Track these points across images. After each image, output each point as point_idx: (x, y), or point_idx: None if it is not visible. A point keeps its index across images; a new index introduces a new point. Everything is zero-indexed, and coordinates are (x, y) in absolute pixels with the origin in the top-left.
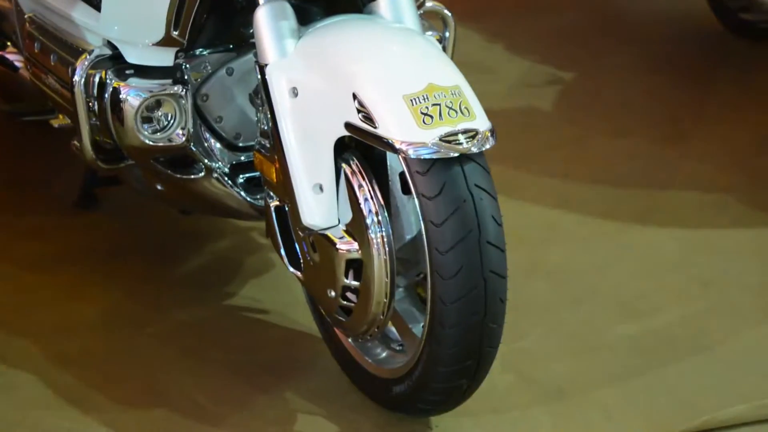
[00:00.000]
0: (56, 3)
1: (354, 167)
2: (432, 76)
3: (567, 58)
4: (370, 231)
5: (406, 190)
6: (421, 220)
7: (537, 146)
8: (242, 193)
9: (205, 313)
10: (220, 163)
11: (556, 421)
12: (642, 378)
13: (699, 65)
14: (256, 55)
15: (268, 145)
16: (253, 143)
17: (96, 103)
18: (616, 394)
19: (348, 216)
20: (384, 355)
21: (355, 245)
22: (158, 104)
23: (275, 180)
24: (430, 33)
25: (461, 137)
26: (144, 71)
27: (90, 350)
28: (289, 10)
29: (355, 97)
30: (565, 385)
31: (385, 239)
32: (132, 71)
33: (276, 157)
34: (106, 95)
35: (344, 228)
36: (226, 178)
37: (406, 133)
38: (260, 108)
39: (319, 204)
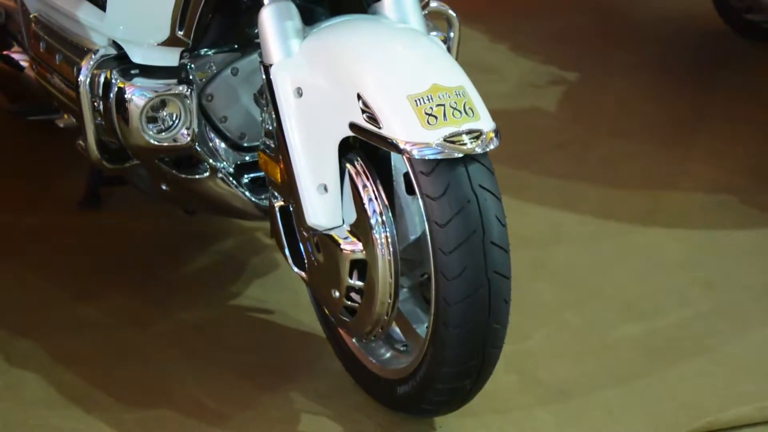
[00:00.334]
0: (61, 3)
1: (358, 167)
2: (436, 77)
3: (571, 59)
4: (374, 231)
5: (410, 190)
6: (425, 220)
7: (541, 146)
8: (247, 193)
9: (209, 313)
10: (224, 163)
11: (559, 421)
12: (645, 379)
13: (703, 66)
14: (260, 55)
15: (272, 146)
16: (257, 143)
17: (101, 102)
18: (620, 394)
19: (352, 216)
20: (388, 355)
21: (360, 245)
22: (163, 104)
23: (280, 180)
24: (434, 33)
25: (465, 138)
26: (149, 71)
27: (95, 350)
28: (293, 10)
29: (359, 97)
30: (568, 385)
31: (390, 240)
32: (137, 71)
33: (280, 157)
34: (112, 95)
35: (348, 228)
36: (230, 178)
37: (411, 133)
38: (265, 108)
39: (323, 204)
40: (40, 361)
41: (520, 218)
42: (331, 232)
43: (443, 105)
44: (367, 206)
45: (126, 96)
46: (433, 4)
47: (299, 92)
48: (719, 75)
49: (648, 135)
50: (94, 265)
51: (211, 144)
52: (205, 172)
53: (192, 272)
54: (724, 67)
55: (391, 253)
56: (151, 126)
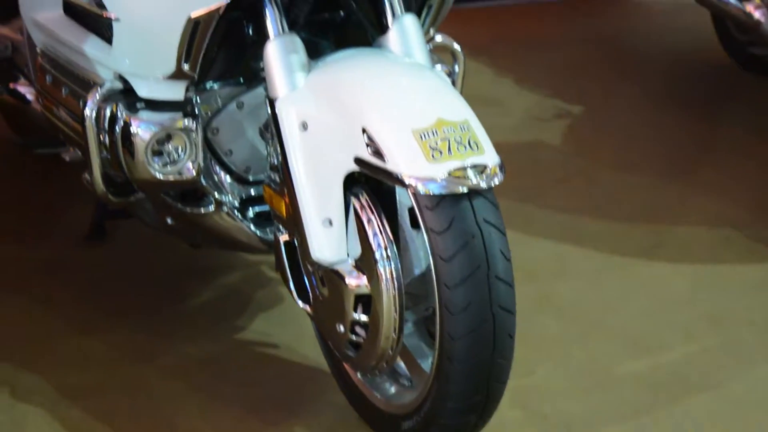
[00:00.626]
0: (68, 36)
1: (363, 201)
2: (441, 111)
3: (575, 92)
4: (379, 265)
5: (415, 224)
6: (430, 254)
7: (545, 180)
8: (252, 226)
9: (214, 346)
10: (230, 196)
11: None
12: (651, 414)
13: (707, 99)
14: (266, 88)
15: (277, 179)
16: (263, 177)
17: (107, 136)
18: (624, 430)
19: (357, 250)
20: (393, 390)
21: (364, 280)
22: (169, 138)
23: (285, 214)
24: (439, 67)
25: (470, 172)
26: (155, 105)
27: (101, 384)
28: (299, 43)
29: (364, 131)
30: (573, 421)
31: (394, 274)
32: (143, 105)
33: (286, 191)
34: (117, 129)
35: (353, 262)
36: (235, 212)
37: (415, 167)
38: (270, 142)
39: (328, 238)
40: (46, 395)
41: (525, 252)
42: (336, 267)
43: (448, 139)
44: (372, 240)
45: (132, 130)
46: (438, 38)
47: (304, 126)
48: (723, 108)
49: (652, 169)
50: (99, 299)
51: (216, 177)
52: (210, 205)
53: (197, 306)
54: (728, 101)
55: (396, 287)
56: (156, 159)
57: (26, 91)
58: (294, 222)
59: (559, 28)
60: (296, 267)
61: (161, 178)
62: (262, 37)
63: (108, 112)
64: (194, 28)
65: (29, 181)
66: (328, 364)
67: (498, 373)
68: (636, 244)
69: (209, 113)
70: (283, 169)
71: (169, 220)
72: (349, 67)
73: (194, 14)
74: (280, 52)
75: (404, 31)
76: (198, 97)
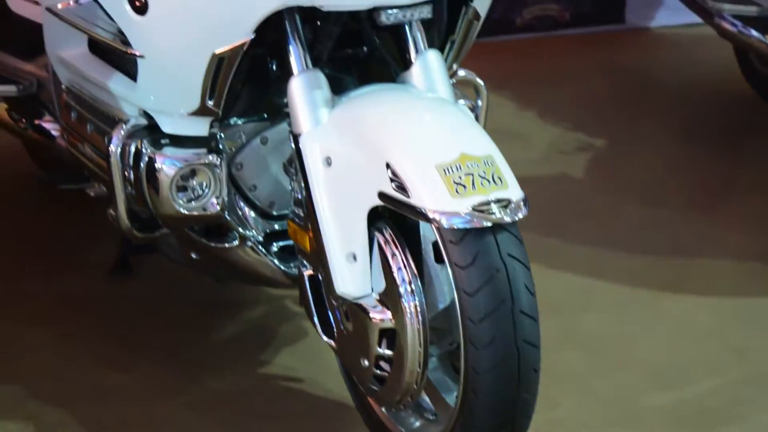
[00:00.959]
0: (93, 73)
1: (387, 236)
2: (465, 146)
3: (598, 125)
4: (403, 300)
5: (439, 259)
6: (454, 289)
7: (569, 214)
8: (276, 261)
9: (239, 381)
10: (254, 231)
11: None
12: None
13: (731, 132)
14: (290, 124)
15: (301, 214)
16: (287, 212)
17: (132, 172)
18: None
19: (381, 285)
20: (417, 424)
21: (389, 314)
22: (193, 173)
23: (309, 249)
24: (462, 102)
25: (494, 207)
26: (179, 141)
27: (126, 419)
28: (322, 79)
29: (388, 166)
30: None
31: (419, 308)
32: (167, 141)
33: (310, 226)
34: (142, 165)
35: (378, 297)
36: (260, 247)
37: (439, 202)
38: (294, 177)
39: (352, 273)
40: (71, 430)
41: (549, 285)
42: (360, 301)
43: (472, 174)
44: (396, 275)
45: (156, 165)
46: (461, 73)
47: (328, 161)
48: (747, 141)
49: (676, 202)
50: (124, 334)
51: (240, 213)
52: (235, 240)
53: (221, 340)
54: (751, 133)
55: (421, 321)
56: (181, 195)
57: (51, 127)
58: (318, 257)
59: (581, 60)
60: (320, 301)
61: (186, 213)
62: (286, 73)
63: (133, 148)
64: (218, 64)
65: (53, 217)
66: (352, 398)
67: (523, 408)
68: (660, 278)
69: (233, 149)
70: (307, 204)
71: (193, 255)
72: (372, 102)
73: (218, 51)
74: (304, 88)
75: (427, 66)
76: (222, 133)
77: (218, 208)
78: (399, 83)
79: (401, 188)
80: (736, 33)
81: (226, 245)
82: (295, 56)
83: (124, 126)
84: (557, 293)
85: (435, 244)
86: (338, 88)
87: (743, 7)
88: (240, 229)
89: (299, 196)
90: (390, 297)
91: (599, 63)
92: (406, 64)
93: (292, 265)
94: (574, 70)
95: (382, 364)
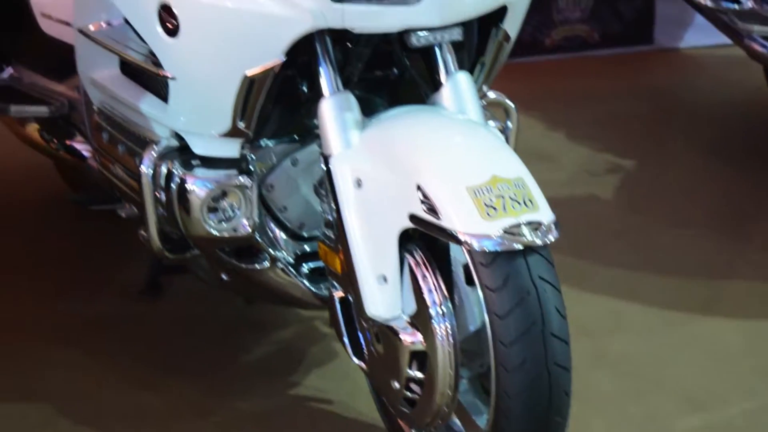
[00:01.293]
0: (124, 94)
1: (418, 258)
2: (495, 168)
3: (628, 146)
4: (434, 322)
5: (469, 281)
6: (484, 311)
7: (599, 235)
8: (306, 282)
9: (269, 402)
10: (284, 252)
11: None
12: None
13: (761, 153)
14: (320, 145)
15: (332, 236)
16: (317, 233)
17: (163, 193)
18: None
19: (412, 307)
20: None
21: (420, 336)
22: (224, 194)
23: (339, 270)
24: (492, 123)
25: (525, 229)
26: (210, 162)
27: None
28: (353, 101)
29: (419, 188)
30: None
31: (449, 330)
32: (198, 162)
33: (340, 248)
34: (173, 186)
35: (408, 319)
36: (290, 268)
37: (470, 224)
38: (324, 198)
39: (383, 295)
40: None
41: (579, 307)
42: (391, 323)
43: (503, 196)
44: (426, 297)
45: (187, 187)
46: (491, 95)
47: (359, 183)
48: None
49: (707, 222)
50: (154, 354)
51: (271, 234)
52: (265, 261)
53: (251, 361)
54: None
55: (451, 344)
56: (212, 216)
57: (82, 148)
58: (349, 278)
59: (609, 81)
60: (351, 323)
61: (216, 234)
62: (317, 94)
63: (164, 170)
64: (249, 86)
65: (84, 238)
66: (382, 420)
67: (554, 431)
68: (691, 299)
69: (264, 170)
70: (337, 225)
71: (224, 276)
72: (403, 124)
73: (250, 72)
74: (335, 110)
75: (458, 88)
76: (253, 154)
77: (249, 229)
78: (429, 105)
79: (432, 210)
80: (766, 54)
81: (257, 266)
82: (326, 78)
83: (155, 147)
84: (587, 315)
85: (466, 267)
86: (368, 109)
87: None
88: (270, 251)
89: (330, 218)
90: (421, 319)
91: (628, 84)
92: (437, 85)
93: (322, 286)
94: (602, 90)
95: (413, 386)
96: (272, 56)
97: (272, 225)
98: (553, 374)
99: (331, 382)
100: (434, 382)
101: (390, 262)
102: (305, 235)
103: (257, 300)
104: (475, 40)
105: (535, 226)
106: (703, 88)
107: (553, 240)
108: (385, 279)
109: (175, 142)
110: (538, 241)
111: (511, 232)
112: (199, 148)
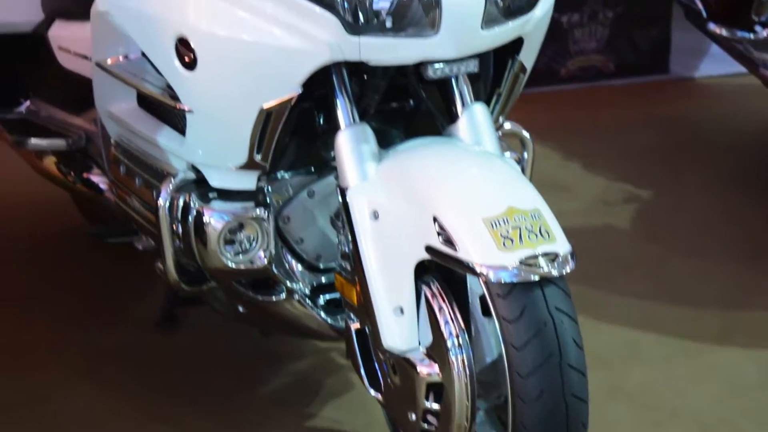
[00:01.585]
0: (141, 127)
1: (434, 290)
2: (512, 199)
3: (644, 176)
4: (450, 354)
5: (486, 312)
6: (501, 343)
7: (615, 265)
8: (323, 314)
9: None
10: (301, 284)
11: None
12: None
13: None
14: (337, 177)
15: (348, 267)
16: (333, 265)
17: (180, 225)
18: None
19: (428, 338)
20: None
21: (436, 368)
22: (241, 227)
23: (356, 302)
24: (508, 154)
25: (541, 260)
26: (227, 194)
27: None
28: (369, 133)
29: (435, 220)
30: None
31: (466, 362)
32: (215, 194)
33: (357, 279)
34: (190, 218)
35: (425, 350)
36: (306, 300)
37: (487, 256)
38: (341, 230)
39: (399, 326)
40: None
41: (596, 338)
42: (408, 355)
43: (519, 227)
44: (443, 328)
45: (204, 219)
46: (507, 126)
47: (375, 215)
48: None
49: (723, 253)
50: (169, 385)
51: (287, 266)
52: (282, 293)
53: (267, 393)
54: None
55: (468, 375)
56: (228, 248)
57: (99, 180)
58: (365, 310)
59: (625, 111)
60: (367, 355)
61: (233, 266)
62: (333, 126)
63: (181, 202)
64: (266, 118)
65: (100, 270)
66: None
67: None
68: (707, 330)
69: (280, 202)
70: (354, 257)
71: (240, 308)
72: (419, 156)
73: (266, 105)
74: (351, 142)
75: (474, 119)
76: (269, 186)
77: (265, 261)
78: (445, 137)
79: (448, 242)
80: None
81: (273, 298)
82: (343, 110)
83: (172, 180)
84: (604, 345)
85: (482, 298)
86: (385, 141)
87: None
88: (287, 283)
89: (346, 250)
90: (437, 350)
91: (644, 113)
92: (453, 117)
93: (338, 318)
94: (618, 120)
95: (430, 418)
96: (289, 89)
97: (289, 257)
98: (570, 405)
99: (347, 414)
100: (451, 413)
101: (406, 294)
102: (322, 266)
103: (274, 331)
104: (491, 72)
105: (551, 257)
106: (718, 118)
107: (569, 271)
108: (401, 311)
109: (192, 175)
110: (555, 272)
111: (528, 263)
112: (215, 180)
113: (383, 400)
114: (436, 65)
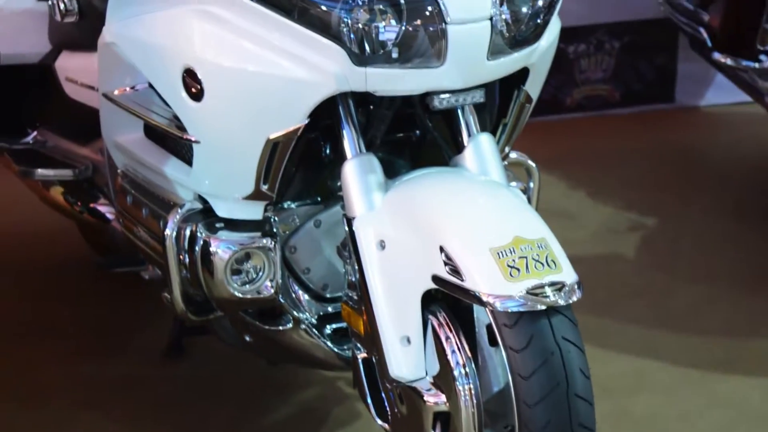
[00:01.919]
0: (148, 158)
1: (441, 319)
2: (518, 229)
3: (650, 204)
4: (457, 383)
5: (493, 342)
6: (508, 372)
7: (621, 294)
8: (329, 344)
9: None
10: (307, 314)
11: None
12: None
13: None
14: (343, 207)
15: (355, 297)
16: (340, 294)
17: (187, 255)
18: None
19: (435, 368)
20: None
21: (443, 397)
22: (248, 257)
23: (363, 331)
24: (514, 184)
25: (548, 290)
26: (234, 224)
27: None
28: (376, 163)
29: (442, 250)
30: None
31: (473, 391)
32: (222, 225)
33: (363, 309)
34: (197, 248)
35: (432, 380)
36: (313, 329)
37: (493, 286)
38: (348, 260)
39: (406, 356)
40: None
41: (602, 367)
42: (415, 384)
43: (525, 257)
44: (450, 358)
45: (211, 249)
46: (512, 155)
47: (382, 245)
48: None
49: (729, 281)
50: (176, 416)
51: (294, 295)
52: (289, 323)
53: (274, 422)
54: None
55: (475, 405)
56: (235, 278)
57: (106, 210)
58: (372, 340)
59: (630, 140)
60: (374, 384)
61: (240, 296)
62: (339, 156)
63: (188, 232)
64: (273, 149)
65: (107, 300)
66: None
67: None
68: (713, 358)
69: (287, 232)
70: (360, 287)
71: (247, 338)
72: (425, 186)
73: (273, 136)
74: (358, 172)
75: (480, 149)
76: (276, 217)
77: (272, 291)
78: (452, 167)
79: (455, 271)
80: None
81: (280, 328)
82: (349, 140)
83: (179, 210)
84: (610, 374)
85: (489, 327)
86: (391, 171)
87: None
88: (294, 312)
89: (353, 279)
90: (444, 380)
91: (649, 142)
92: (459, 147)
93: (345, 347)
94: (624, 149)
95: None
96: (296, 120)
97: (295, 286)
98: None
99: None
100: None
101: (413, 324)
102: (328, 296)
103: (280, 361)
104: (497, 102)
105: (558, 286)
106: (724, 146)
107: (576, 300)
108: (408, 340)
109: (198, 205)
110: (561, 302)
111: (535, 292)
112: (222, 210)
113: (390, 429)
114: (442, 95)
